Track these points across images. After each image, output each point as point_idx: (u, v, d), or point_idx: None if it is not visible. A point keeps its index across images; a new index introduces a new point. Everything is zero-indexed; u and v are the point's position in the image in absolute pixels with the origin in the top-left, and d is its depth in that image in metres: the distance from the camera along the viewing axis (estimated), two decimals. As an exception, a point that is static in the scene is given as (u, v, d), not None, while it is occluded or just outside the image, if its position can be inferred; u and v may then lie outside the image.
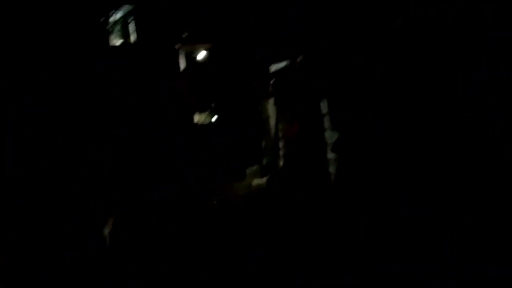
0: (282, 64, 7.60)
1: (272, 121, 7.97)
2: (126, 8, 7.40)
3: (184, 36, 7.58)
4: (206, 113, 9.73)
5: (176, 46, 7.12)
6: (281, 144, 7.24)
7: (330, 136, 5.38)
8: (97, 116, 4.99)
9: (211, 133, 9.82)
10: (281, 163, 7.14)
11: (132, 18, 7.48)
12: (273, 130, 7.96)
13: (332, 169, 5.37)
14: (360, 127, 5.11)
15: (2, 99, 4.26)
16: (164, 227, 5.12)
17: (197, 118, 9.60)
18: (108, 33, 6.98)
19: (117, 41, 7.40)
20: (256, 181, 7.65)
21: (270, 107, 8.05)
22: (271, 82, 7.96)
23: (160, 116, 6.06)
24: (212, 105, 10.20)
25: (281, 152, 7.14)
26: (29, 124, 4.21)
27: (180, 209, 5.48)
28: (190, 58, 7.73)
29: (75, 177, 4.62)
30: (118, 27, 7.65)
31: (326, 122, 5.42)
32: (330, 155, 5.38)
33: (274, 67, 7.93)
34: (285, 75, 7.45)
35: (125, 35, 7.21)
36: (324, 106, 5.47)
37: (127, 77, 6.03)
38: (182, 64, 7.29)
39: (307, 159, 6.06)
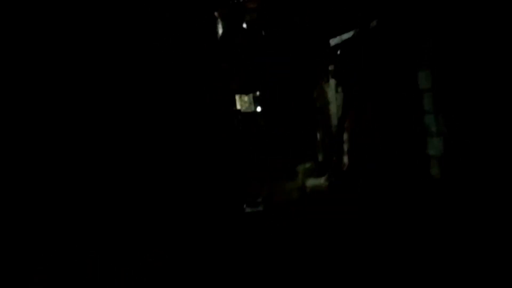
0: (347, 35, 5.97)
1: (333, 108, 6.38)
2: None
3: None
4: (250, 97, 8.37)
5: (215, 13, 5.73)
6: (345, 137, 5.65)
7: (434, 123, 3.72)
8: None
9: (256, 122, 8.45)
10: (345, 160, 5.55)
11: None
12: (333, 119, 6.38)
13: (435, 170, 3.72)
14: (483, 109, 3.41)
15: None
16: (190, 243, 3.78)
17: (239, 103, 8.28)
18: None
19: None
20: (312, 182, 6.13)
21: (330, 90, 6.46)
22: (332, 58, 6.36)
23: (190, 99, 4.62)
24: (257, 92, 8.83)
25: (346, 147, 5.55)
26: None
27: (214, 218, 4.10)
28: (231, 26, 6.33)
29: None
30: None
31: (428, 102, 3.76)
32: (434, 150, 3.73)
33: (335, 40, 6.32)
34: (352, 48, 5.81)
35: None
36: (424, 79, 3.80)
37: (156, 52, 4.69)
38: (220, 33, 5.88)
39: (387, 155, 4.43)
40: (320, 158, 7.10)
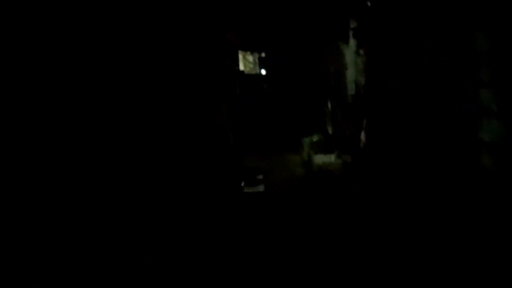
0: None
1: (350, 74, 5.48)
2: None
3: None
4: (255, 57, 7.43)
5: None
6: (364, 109, 4.81)
7: (493, 99, 2.87)
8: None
9: (259, 86, 7.56)
10: (362, 136, 4.74)
11: None
12: (350, 87, 5.50)
13: (488, 160, 2.92)
14: None
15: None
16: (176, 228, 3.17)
17: (243, 63, 7.35)
18: None
19: None
20: (320, 158, 5.37)
21: (349, 53, 5.52)
22: (354, 13, 5.37)
23: (182, 58, 3.91)
24: (262, 52, 7.82)
25: (364, 120, 4.72)
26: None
27: (207, 201, 3.42)
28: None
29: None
30: None
31: (487, 71, 2.90)
32: (489, 135, 2.90)
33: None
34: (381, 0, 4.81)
35: None
36: (484, 38, 2.91)
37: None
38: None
39: (421, 136, 3.62)
40: (329, 130, 6.30)
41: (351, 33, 5.42)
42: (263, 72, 8.07)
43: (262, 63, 8.06)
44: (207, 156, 3.64)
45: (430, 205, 3.03)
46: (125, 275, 2.74)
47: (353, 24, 5.37)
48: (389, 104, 3.97)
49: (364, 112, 4.61)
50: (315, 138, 6.19)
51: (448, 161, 3.13)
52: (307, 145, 6.11)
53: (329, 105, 6.47)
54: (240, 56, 7.32)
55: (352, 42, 5.38)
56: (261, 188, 4.21)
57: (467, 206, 2.83)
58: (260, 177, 4.55)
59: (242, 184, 4.20)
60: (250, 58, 7.48)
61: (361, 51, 5.07)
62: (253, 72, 7.65)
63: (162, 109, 3.60)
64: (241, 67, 7.42)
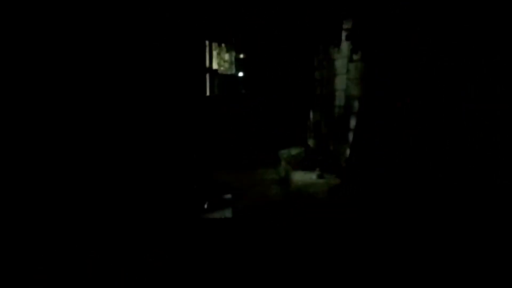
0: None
1: (340, 82, 4.78)
2: None
3: None
4: (231, 56, 6.61)
5: None
6: (353, 123, 4.10)
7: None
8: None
9: (233, 89, 6.73)
10: (347, 152, 4.01)
11: None
12: (338, 97, 4.80)
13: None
14: None
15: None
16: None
17: (217, 61, 6.50)
18: None
19: None
20: (300, 176, 4.60)
21: (341, 58, 4.83)
22: (350, 12, 4.71)
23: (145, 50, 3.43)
24: (241, 54, 7.02)
25: (351, 135, 4.00)
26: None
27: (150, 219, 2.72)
28: None
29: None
30: None
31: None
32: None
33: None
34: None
35: None
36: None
37: None
38: None
39: (427, 154, 2.94)
40: (311, 144, 5.57)
41: (344, 35, 4.73)
42: (241, 74, 7.28)
43: (239, 64, 7.28)
44: (158, 168, 2.94)
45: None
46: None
47: (347, 25, 4.69)
48: (392, 120, 3.27)
49: (358, 127, 3.89)
50: (293, 151, 5.43)
51: (455, 178, 2.43)
52: (284, 159, 5.34)
53: (312, 116, 5.76)
54: (214, 53, 6.49)
55: (345, 45, 4.70)
56: (228, 213, 3.36)
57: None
58: (228, 196, 3.71)
59: (205, 207, 3.34)
60: (226, 56, 6.67)
61: (355, 57, 4.38)
62: (229, 72, 6.85)
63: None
64: (215, 66, 6.58)
